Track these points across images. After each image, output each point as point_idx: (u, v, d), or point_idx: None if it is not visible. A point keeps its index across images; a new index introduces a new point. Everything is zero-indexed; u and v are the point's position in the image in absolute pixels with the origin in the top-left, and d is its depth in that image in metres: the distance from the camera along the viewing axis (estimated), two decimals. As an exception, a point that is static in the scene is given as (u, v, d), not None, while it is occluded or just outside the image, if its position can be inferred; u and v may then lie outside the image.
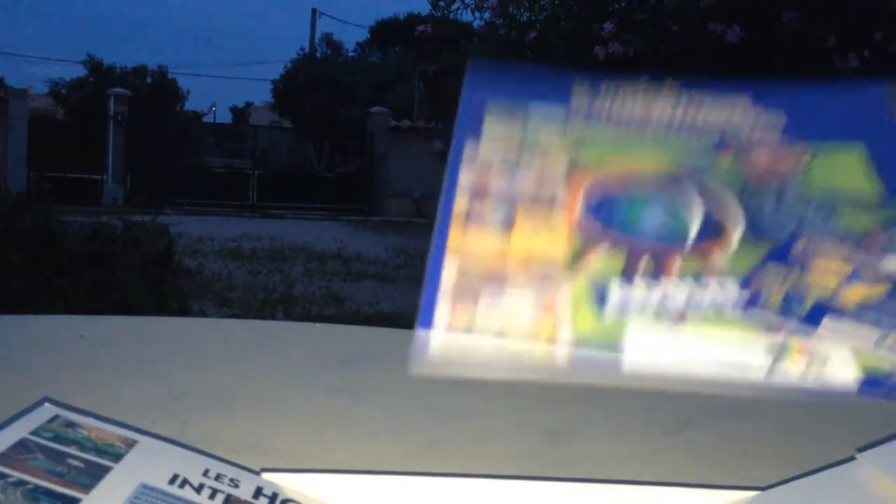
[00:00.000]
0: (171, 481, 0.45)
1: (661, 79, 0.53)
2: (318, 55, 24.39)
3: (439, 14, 6.16)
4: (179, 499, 0.44)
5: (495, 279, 0.40)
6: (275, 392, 0.73)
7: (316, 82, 20.73)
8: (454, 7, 6.04)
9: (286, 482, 0.49)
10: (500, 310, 0.38)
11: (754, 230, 0.44)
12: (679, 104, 0.52)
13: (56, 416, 0.50)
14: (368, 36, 26.14)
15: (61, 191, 11.51)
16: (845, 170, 0.48)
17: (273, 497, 0.47)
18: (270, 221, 14.83)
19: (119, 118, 16.61)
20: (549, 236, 0.43)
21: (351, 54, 25.40)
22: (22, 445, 0.45)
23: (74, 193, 13.83)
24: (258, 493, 0.47)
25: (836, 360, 0.36)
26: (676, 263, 0.41)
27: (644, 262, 0.41)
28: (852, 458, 0.48)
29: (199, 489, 0.46)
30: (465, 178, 0.46)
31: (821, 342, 0.37)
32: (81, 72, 19.86)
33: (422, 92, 15.68)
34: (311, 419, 0.66)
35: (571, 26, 5.44)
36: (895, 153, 0.49)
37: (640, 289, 0.40)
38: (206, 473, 0.47)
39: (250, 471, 0.49)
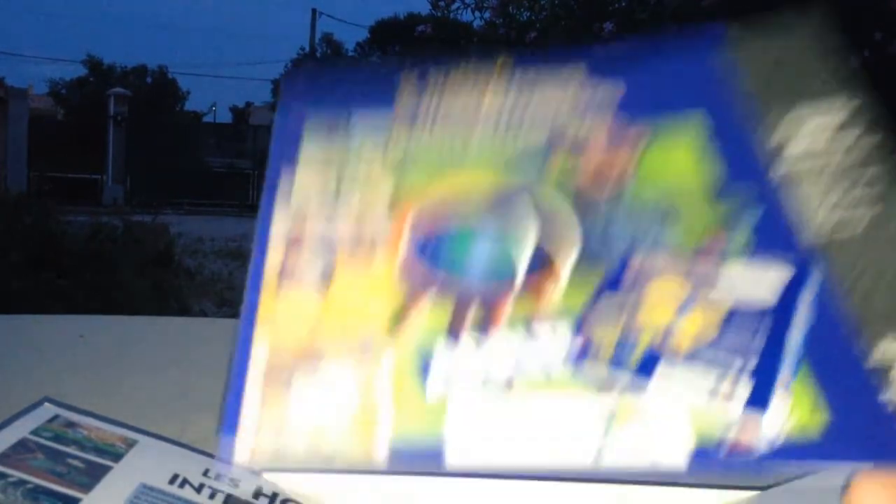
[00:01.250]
0: (171, 481, 0.46)
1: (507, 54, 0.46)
2: (318, 55, 24.40)
3: (439, 14, 6.16)
4: (179, 499, 0.44)
5: (311, 357, 0.36)
6: (275, 392, 0.73)
7: (316, 82, 20.71)
8: (454, 7, 6.04)
9: (286, 482, 0.49)
10: (317, 396, 0.35)
11: (589, 251, 0.39)
12: (512, 88, 0.45)
13: (56, 416, 0.50)
14: (368, 36, 26.16)
15: (61, 191, 11.50)
16: (683, 151, 0.41)
17: (273, 497, 0.47)
18: (270, 221, 14.77)
19: (119, 118, 16.61)
20: (371, 290, 0.38)
21: (351, 54, 25.42)
22: (22, 445, 0.45)
23: (74, 193, 13.82)
24: (258, 493, 0.47)
25: (667, 426, 0.32)
26: (506, 309, 0.37)
27: (472, 312, 0.37)
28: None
29: (199, 489, 0.46)
30: (279, 225, 0.42)
31: (651, 401, 0.33)
32: (81, 72, 19.90)
33: (422, 92, 15.63)
34: (311, 419, 0.66)
35: (571, 26, 5.44)
36: (732, 115, 0.42)
37: (466, 351, 0.36)
38: (206, 473, 0.47)
39: (250, 471, 0.49)
